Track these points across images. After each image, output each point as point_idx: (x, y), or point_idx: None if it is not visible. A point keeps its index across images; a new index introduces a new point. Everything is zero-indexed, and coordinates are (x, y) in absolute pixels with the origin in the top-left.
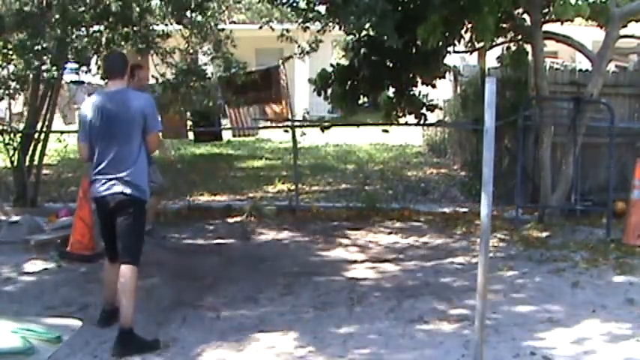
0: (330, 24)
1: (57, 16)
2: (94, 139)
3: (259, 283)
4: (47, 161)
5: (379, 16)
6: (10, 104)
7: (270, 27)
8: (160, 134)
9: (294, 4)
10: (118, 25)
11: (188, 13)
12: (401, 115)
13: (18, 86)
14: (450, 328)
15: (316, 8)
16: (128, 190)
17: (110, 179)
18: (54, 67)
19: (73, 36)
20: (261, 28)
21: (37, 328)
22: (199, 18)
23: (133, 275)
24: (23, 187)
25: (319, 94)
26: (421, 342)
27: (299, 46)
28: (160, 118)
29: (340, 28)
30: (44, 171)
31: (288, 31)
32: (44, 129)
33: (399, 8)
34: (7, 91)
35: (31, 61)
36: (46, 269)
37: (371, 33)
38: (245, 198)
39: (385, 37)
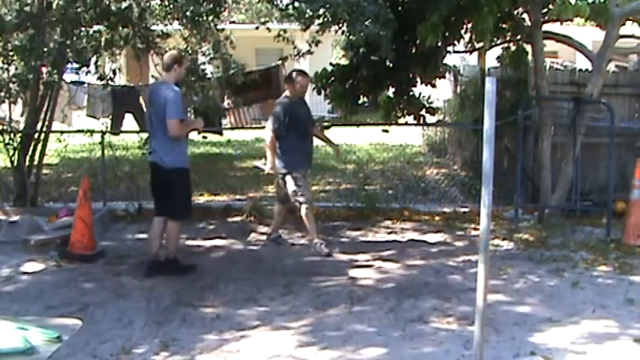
0: (331, 27)
1: (57, 17)
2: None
3: (259, 283)
4: (47, 161)
5: (382, 24)
6: (10, 105)
7: (267, 28)
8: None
9: (298, 9)
10: (118, 25)
11: (192, 15)
12: (400, 115)
13: (19, 89)
14: (450, 328)
15: (319, 13)
16: (160, 161)
17: (153, 151)
18: (55, 70)
19: (74, 37)
20: (257, 29)
21: (37, 328)
22: (209, 19)
23: (175, 227)
24: (23, 187)
25: (319, 93)
26: (421, 342)
27: (295, 47)
28: (173, 110)
29: (342, 33)
30: (44, 171)
31: (285, 31)
32: (44, 129)
33: (399, 8)
34: (7, 94)
35: (32, 64)
36: (46, 269)
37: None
38: (245, 198)
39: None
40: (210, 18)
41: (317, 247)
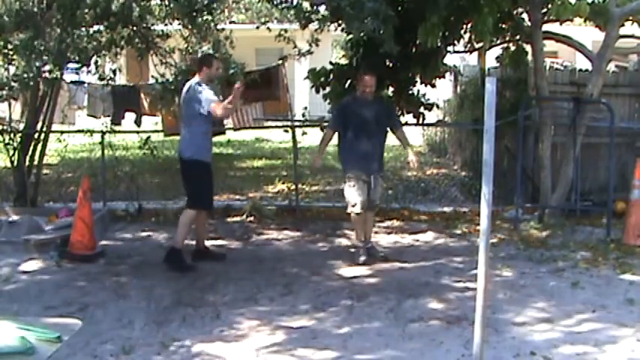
0: (330, 24)
1: (57, 16)
2: None
3: (259, 283)
4: (47, 161)
5: (382, 21)
6: (10, 104)
7: (267, 28)
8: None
9: (296, 6)
10: (118, 25)
11: (192, 14)
12: (399, 113)
13: (19, 87)
14: (450, 328)
15: (319, 9)
16: (180, 152)
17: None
18: (56, 68)
19: (74, 36)
20: (257, 28)
21: (37, 328)
22: (207, 18)
23: (186, 215)
24: (23, 187)
25: (317, 92)
26: (421, 342)
27: (295, 47)
28: (204, 102)
29: (342, 30)
30: (44, 171)
31: (285, 31)
32: (44, 129)
33: (399, 8)
34: (9, 93)
35: (32, 62)
36: (46, 269)
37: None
38: (245, 198)
39: (383, 42)
40: (209, 17)
41: (355, 252)
